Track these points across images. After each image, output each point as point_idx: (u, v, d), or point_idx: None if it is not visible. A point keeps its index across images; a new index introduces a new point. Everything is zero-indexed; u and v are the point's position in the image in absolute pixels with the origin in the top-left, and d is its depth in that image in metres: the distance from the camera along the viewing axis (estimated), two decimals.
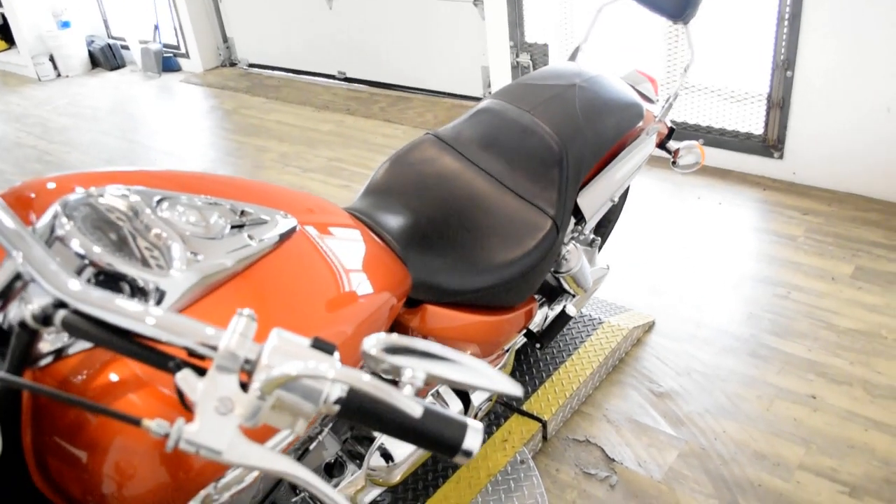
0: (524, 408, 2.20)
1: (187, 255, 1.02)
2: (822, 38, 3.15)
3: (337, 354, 0.76)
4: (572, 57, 2.23)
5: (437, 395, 1.74)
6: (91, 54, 6.68)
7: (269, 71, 5.92)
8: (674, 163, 2.22)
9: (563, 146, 1.77)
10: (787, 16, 3.18)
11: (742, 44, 3.48)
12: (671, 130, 2.25)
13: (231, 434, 0.72)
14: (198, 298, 1.03)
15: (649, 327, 2.62)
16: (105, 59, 6.61)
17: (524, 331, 1.90)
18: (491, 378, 0.75)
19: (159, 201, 1.09)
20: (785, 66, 3.28)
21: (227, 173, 4.15)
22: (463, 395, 1.77)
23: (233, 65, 6.21)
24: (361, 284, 1.26)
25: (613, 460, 2.12)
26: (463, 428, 0.77)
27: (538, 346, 2.08)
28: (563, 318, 2.01)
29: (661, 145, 2.24)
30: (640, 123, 2.02)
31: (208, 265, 1.04)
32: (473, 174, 1.73)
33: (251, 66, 6.07)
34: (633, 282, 2.88)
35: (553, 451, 2.18)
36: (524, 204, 1.70)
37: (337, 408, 0.76)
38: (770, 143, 3.47)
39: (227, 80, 5.86)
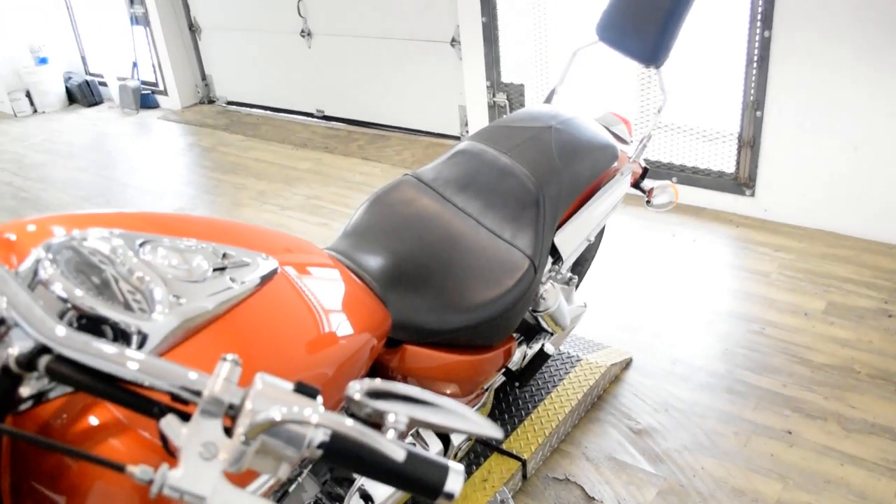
0: (504, 447, 2.20)
1: (169, 298, 1.03)
2: (791, 79, 3.24)
3: (320, 398, 0.76)
4: (548, 99, 2.28)
5: (417, 436, 1.74)
6: (68, 90, 6.67)
7: (248, 108, 5.94)
8: (648, 202, 2.26)
9: (540, 187, 1.80)
10: (755, 58, 3.27)
11: (713, 84, 3.57)
12: (645, 170, 2.29)
13: (215, 479, 0.72)
14: (180, 342, 1.03)
15: (627, 364, 2.64)
16: (82, 95, 6.61)
17: (503, 369, 1.91)
18: (471, 421, 0.76)
19: (142, 244, 1.10)
20: (755, 106, 3.36)
21: (205, 211, 4.15)
22: (443, 435, 1.78)
23: (211, 102, 6.23)
24: (342, 326, 1.27)
25: (593, 499, 2.12)
26: (445, 470, 0.78)
27: (517, 384, 2.09)
28: (541, 356, 2.02)
29: (636, 185, 2.28)
30: (615, 164, 2.06)
31: (190, 308, 1.04)
32: (452, 215, 1.75)
33: (229, 103, 6.09)
34: (610, 319, 2.90)
35: (533, 489, 2.17)
36: (502, 244, 1.72)
37: (320, 452, 0.76)
38: (742, 181, 3.54)
39: (206, 118, 5.88)
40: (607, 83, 3.85)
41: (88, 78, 6.71)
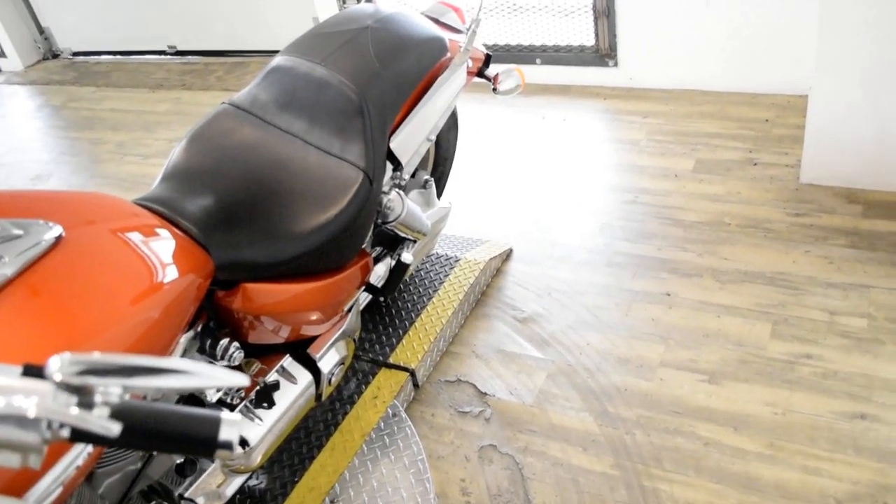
0: (391, 360, 2.18)
1: None
2: None
3: (49, 382, 0.68)
4: None
5: (283, 370, 1.68)
6: None
7: (96, 56, 5.55)
8: (494, 89, 2.18)
9: (362, 94, 1.70)
10: None
11: None
12: (488, 57, 2.21)
13: None
14: None
15: (507, 255, 2.62)
16: None
17: (363, 287, 1.85)
18: (208, 377, 0.70)
19: None
20: None
21: (64, 174, 3.90)
22: (312, 367, 1.72)
23: (55, 56, 5.78)
24: (145, 279, 1.18)
25: (486, 394, 2.13)
26: (215, 423, 0.72)
27: (381, 299, 2.04)
28: (400, 266, 1.97)
29: (480, 73, 2.20)
30: (446, 56, 1.96)
31: None
32: (275, 138, 1.65)
33: (75, 54, 5.67)
34: (487, 213, 2.87)
35: (426, 396, 2.17)
36: (332, 160, 1.63)
37: (66, 433, 0.69)
38: (603, 53, 3.50)
39: (52, 74, 5.47)
40: None
41: None
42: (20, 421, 0.66)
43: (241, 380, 0.71)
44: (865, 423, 1.83)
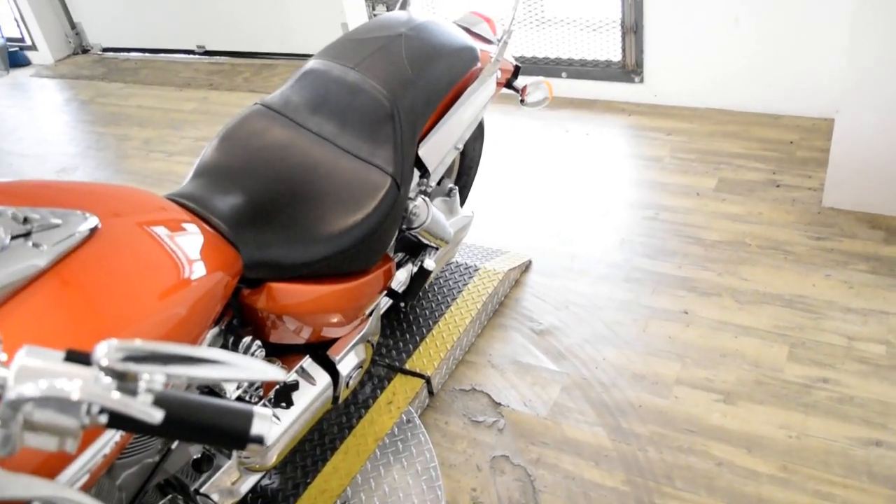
0: (407, 366, 2.19)
1: None
2: None
3: (95, 367, 0.70)
4: (403, 6, 2.17)
5: (303, 371, 1.70)
6: None
7: (125, 53, 5.62)
8: (522, 101, 2.20)
9: (393, 100, 1.72)
10: None
11: None
12: (517, 69, 2.23)
13: None
14: None
15: (526, 267, 2.63)
16: None
17: (385, 292, 1.86)
18: (247, 369, 0.71)
19: None
20: None
21: (90, 168, 3.94)
22: (330, 369, 1.74)
23: (85, 51, 5.86)
24: (177, 274, 1.20)
25: (500, 404, 2.14)
26: (248, 417, 0.73)
27: (402, 304, 2.05)
28: (422, 273, 1.98)
29: (509, 85, 2.22)
30: (477, 66, 1.98)
31: None
32: (306, 140, 1.67)
33: (105, 50, 5.75)
34: (508, 224, 2.88)
35: (441, 404, 2.17)
36: (361, 164, 1.65)
37: (104, 419, 0.71)
38: (629, 69, 3.51)
39: (81, 69, 5.54)
40: None
41: None
42: (61, 404, 0.68)
43: (278, 373, 0.72)
44: (880, 450, 1.83)
